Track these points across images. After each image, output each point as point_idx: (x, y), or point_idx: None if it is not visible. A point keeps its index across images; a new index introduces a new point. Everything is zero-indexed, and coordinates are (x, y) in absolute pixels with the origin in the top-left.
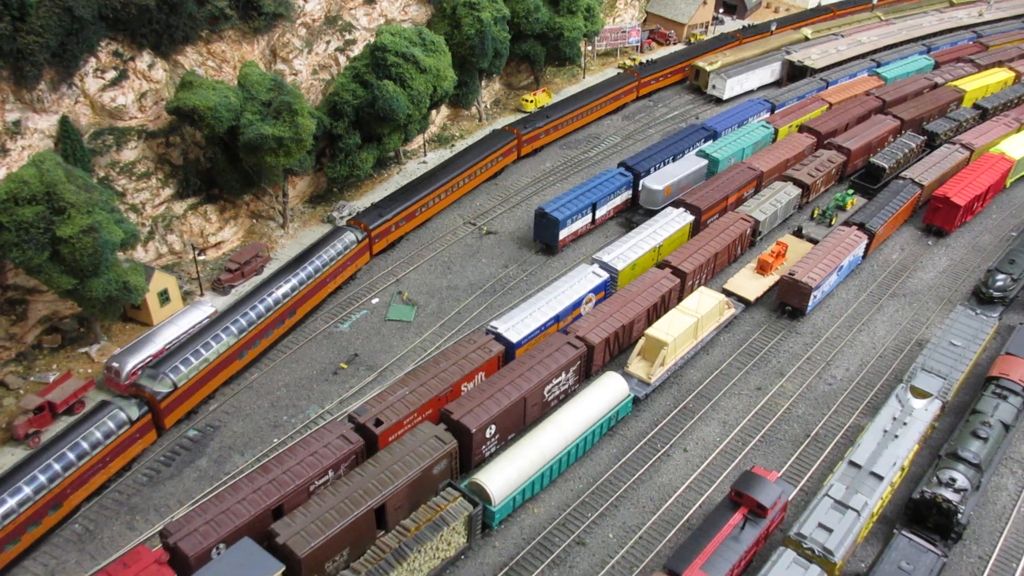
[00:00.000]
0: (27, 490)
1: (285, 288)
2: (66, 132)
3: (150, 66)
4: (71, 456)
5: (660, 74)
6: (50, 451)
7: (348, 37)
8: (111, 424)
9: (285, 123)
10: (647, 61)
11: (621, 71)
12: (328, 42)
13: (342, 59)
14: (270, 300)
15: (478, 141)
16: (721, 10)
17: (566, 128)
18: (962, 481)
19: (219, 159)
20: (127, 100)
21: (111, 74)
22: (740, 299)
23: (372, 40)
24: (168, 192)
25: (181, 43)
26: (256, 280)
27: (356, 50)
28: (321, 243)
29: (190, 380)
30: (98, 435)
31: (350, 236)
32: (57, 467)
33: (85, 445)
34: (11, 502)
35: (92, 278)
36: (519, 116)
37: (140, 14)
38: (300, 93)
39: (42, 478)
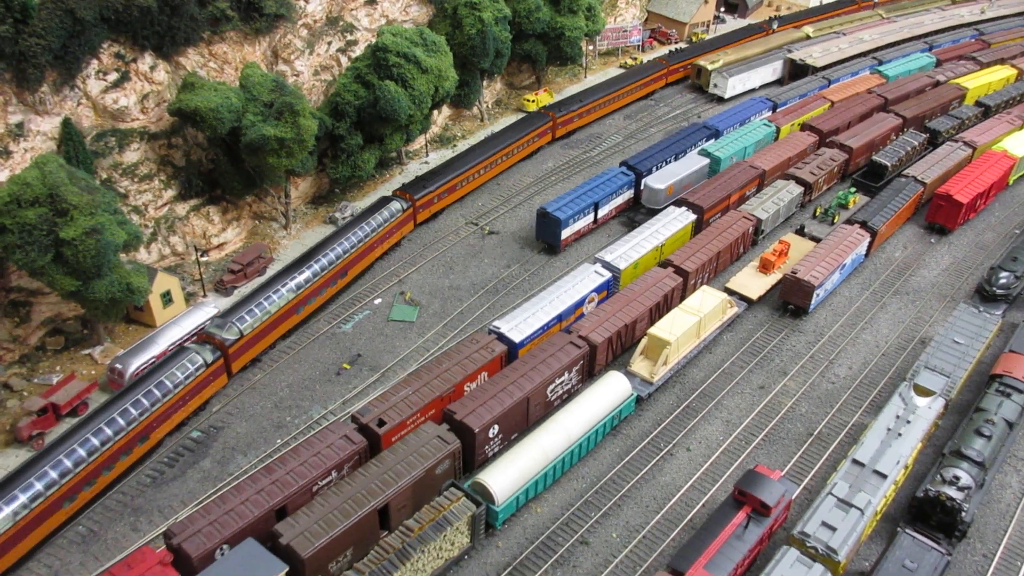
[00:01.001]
0: (121, 421)
1: (338, 250)
2: (68, 134)
3: (152, 68)
4: (157, 393)
5: (688, 62)
6: (138, 388)
7: (349, 38)
8: (190, 366)
9: (287, 124)
10: (676, 50)
11: (623, 70)
12: (329, 43)
13: (343, 60)
14: (324, 261)
15: (515, 122)
16: (722, 9)
17: (599, 112)
18: (966, 479)
19: (221, 160)
20: (129, 102)
21: (113, 76)
22: (743, 298)
23: (373, 41)
24: (170, 194)
25: (183, 44)
26: (259, 280)
27: (357, 51)
28: (370, 211)
29: (254, 329)
30: (179, 376)
31: (396, 205)
32: (146, 403)
33: (169, 384)
34: (108, 431)
35: (95, 280)
36: (521, 116)
37: (142, 16)
38: (302, 94)
39: (133, 412)
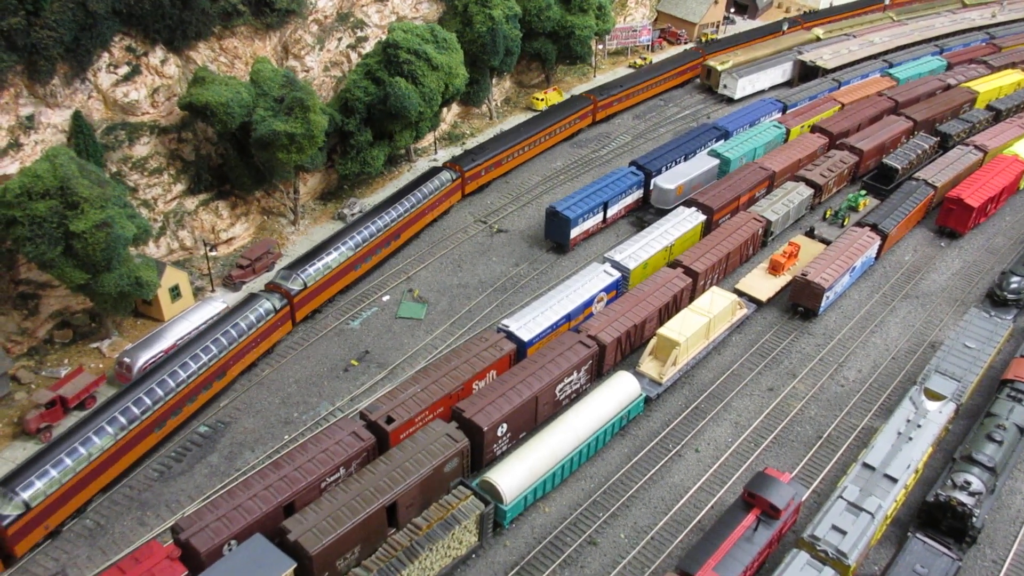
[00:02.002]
0: (204, 357)
1: (392, 214)
2: (79, 127)
3: (163, 61)
4: (233, 333)
5: (723, 52)
6: (215, 330)
7: (360, 34)
8: (261, 311)
9: (297, 119)
10: (711, 40)
11: (632, 70)
12: (340, 39)
13: (354, 56)
14: (380, 223)
15: (558, 104)
16: (732, 10)
17: (637, 97)
18: (977, 484)
19: (231, 155)
20: (139, 95)
21: (124, 69)
22: (752, 299)
23: (383, 37)
24: (180, 188)
25: (194, 39)
26: (266, 276)
27: (368, 47)
28: (421, 180)
29: (317, 282)
30: (252, 318)
31: (446, 175)
32: (224, 341)
33: (243, 325)
34: (193, 366)
35: (104, 273)
36: (530, 114)
37: (153, 9)
38: (312, 90)
39: (214, 349)
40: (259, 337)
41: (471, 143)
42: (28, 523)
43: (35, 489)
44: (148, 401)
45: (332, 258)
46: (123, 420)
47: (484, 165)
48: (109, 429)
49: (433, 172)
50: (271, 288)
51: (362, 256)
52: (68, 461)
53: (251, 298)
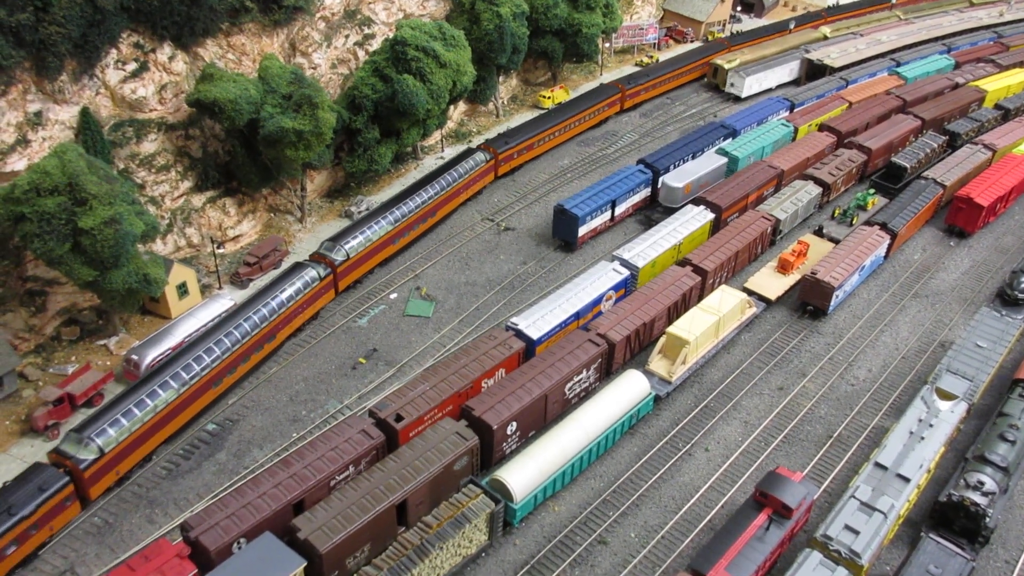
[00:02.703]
0: (255, 318)
1: (430, 192)
2: (87, 123)
3: (170, 58)
4: (282, 298)
5: (748, 44)
6: (266, 295)
7: (367, 31)
8: (307, 278)
9: (305, 116)
10: (736, 33)
11: (639, 68)
12: (347, 36)
13: (361, 53)
14: (418, 200)
15: (586, 92)
16: (739, 8)
17: (664, 86)
18: (990, 484)
19: (238, 152)
20: (147, 92)
21: (132, 66)
22: (761, 298)
23: (391, 35)
24: (187, 185)
25: (201, 35)
26: (273, 273)
27: (375, 44)
28: (457, 159)
29: (358, 253)
30: (299, 284)
31: (480, 156)
32: (273, 304)
33: (291, 291)
34: (245, 325)
35: (112, 270)
36: (537, 112)
37: (161, 5)
38: (320, 86)
39: (265, 312)
40: (305, 303)
41: (477, 141)
42: (102, 468)
43: (108, 436)
44: (207, 359)
45: (373, 231)
46: (185, 376)
47: (517, 148)
48: (173, 384)
49: (468, 153)
50: (315, 258)
51: (400, 231)
52: (137, 412)
53: (297, 267)
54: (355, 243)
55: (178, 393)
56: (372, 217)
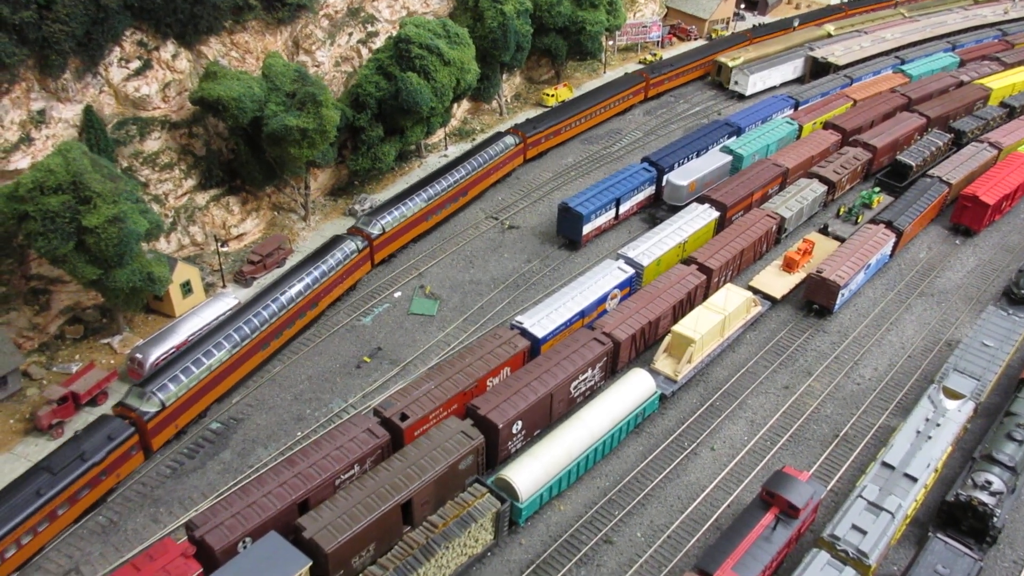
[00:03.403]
0: (299, 286)
1: (462, 172)
2: (90, 122)
3: (174, 56)
4: (324, 268)
5: (769, 37)
6: (308, 265)
7: (370, 29)
8: (346, 250)
9: (309, 114)
10: (757, 25)
11: (642, 66)
12: (350, 34)
13: (364, 51)
14: (451, 179)
15: (611, 81)
16: (742, 6)
17: (687, 76)
18: (998, 484)
19: (242, 150)
20: (151, 90)
21: (135, 64)
22: (766, 297)
23: (394, 32)
24: (191, 183)
25: (205, 33)
26: (277, 271)
27: (378, 42)
28: (487, 143)
29: (393, 228)
30: (339, 256)
31: (510, 139)
32: (316, 274)
33: (332, 262)
34: (291, 292)
35: (116, 268)
36: (540, 110)
37: (165, 3)
38: (324, 84)
39: (308, 280)
40: (344, 274)
41: (480, 139)
42: (163, 420)
43: (169, 391)
44: (256, 322)
45: (408, 208)
46: (236, 338)
47: (545, 133)
48: (226, 344)
49: (498, 136)
50: (353, 232)
51: (434, 208)
52: (194, 369)
53: (337, 239)
54: (390, 218)
55: (231, 353)
56: (407, 195)
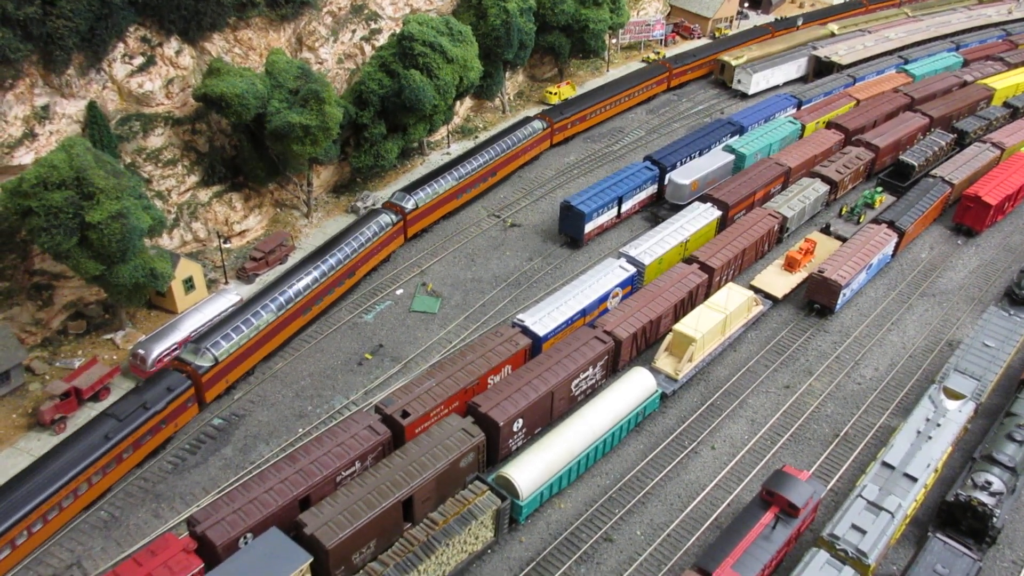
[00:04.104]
0: (332, 261)
1: (491, 153)
2: (94, 117)
3: (177, 52)
4: (361, 239)
5: (790, 31)
6: (347, 235)
7: (373, 26)
8: (382, 223)
9: (312, 111)
10: (780, 19)
11: (646, 64)
12: (354, 31)
13: (367, 48)
14: (480, 160)
15: (634, 72)
16: (746, 4)
17: (706, 68)
18: (998, 484)
19: (245, 147)
20: (154, 86)
21: (139, 60)
22: (768, 296)
23: (397, 30)
24: (193, 179)
25: (208, 29)
26: (281, 268)
27: (381, 39)
28: (511, 129)
29: (426, 204)
30: (375, 228)
31: (537, 124)
32: (354, 244)
33: (368, 233)
34: (331, 260)
35: (119, 264)
36: (543, 108)
37: (168, 0)
38: (327, 81)
39: (347, 250)
40: (379, 245)
41: (483, 137)
42: (216, 374)
43: (221, 348)
44: (299, 286)
45: (440, 185)
46: (281, 300)
47: (571, 119)
48: (272, 307)
49: (526, 121)
50: (388, 206)
51: (464, 187)
52: (244, 329)
53: (372, 213)
54: (423, 195)
55: (276, 315)
56: (440, 172)
